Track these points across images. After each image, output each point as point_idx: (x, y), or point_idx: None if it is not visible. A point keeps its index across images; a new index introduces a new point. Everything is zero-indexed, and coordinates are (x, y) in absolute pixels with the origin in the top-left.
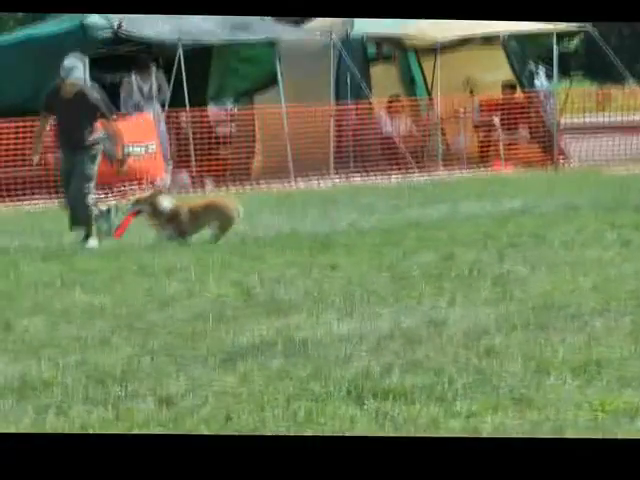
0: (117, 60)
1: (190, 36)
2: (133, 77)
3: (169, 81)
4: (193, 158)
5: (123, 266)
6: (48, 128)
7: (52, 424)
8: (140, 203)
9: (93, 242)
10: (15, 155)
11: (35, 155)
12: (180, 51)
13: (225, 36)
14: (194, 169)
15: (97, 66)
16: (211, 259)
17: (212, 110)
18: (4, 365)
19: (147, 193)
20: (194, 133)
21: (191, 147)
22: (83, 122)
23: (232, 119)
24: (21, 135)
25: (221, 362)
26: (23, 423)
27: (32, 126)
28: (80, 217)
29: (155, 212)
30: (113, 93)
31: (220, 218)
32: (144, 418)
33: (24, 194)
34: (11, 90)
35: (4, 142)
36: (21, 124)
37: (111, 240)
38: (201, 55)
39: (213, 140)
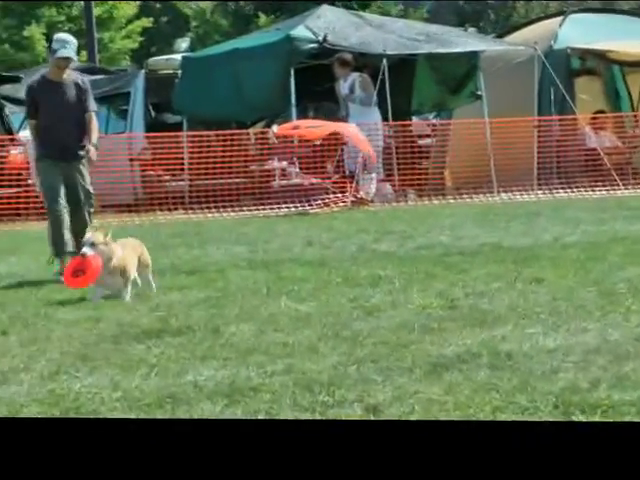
0: (321, 71)
1: (394, 48)
2: (357, 81)
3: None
4: (396, 170)
5: (328, 276)
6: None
7: None
8: (100, 244)
9: None
10: (222, 164)
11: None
12: (385, 63)
13: (428, 48)
14: (397, 181)
15: (301, 77)
16: (415, 270)
17: (415, 122)
18: (214, 370)
19: (99, 233)
20: (397, 145)
21: (394, 159)
22: (79, 116)
23: (434, 132)
24: (228, 144)
25: (426, 372)
26: None
27: (238, 135)
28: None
29: (109, 259)
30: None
31: (143, 268)
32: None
33: (230, 203)
34: (217, 101)
35: (211, 152)
36: (228, 134)
37: (315, 250)
38: (404, 67)
39: (415, 152)
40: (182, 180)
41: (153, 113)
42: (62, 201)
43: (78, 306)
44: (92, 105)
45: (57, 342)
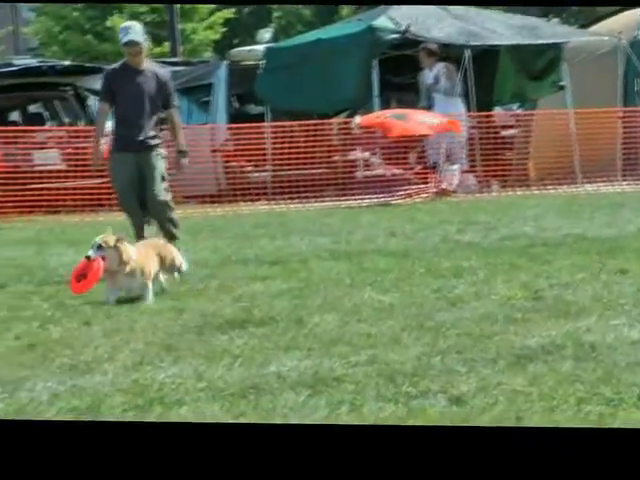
0: (403, 61)
1: (477, 39)
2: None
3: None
4: (479, 161)
5: (411, 267)
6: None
7: (345, 420)
8: (107, 247)
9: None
10: (305, 155)
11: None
12: (468, 53)
13: (512, 39)
14: (480, 172)
15: (383, 68)
16: (500, 261)
17: (498, 113)
18: (297, 361)
19: (110, 236)
20: (480, 136)
21: (477, 150)
22: (154, 107)
23: (517, 122)
24: (311, 135)
25: (510, 364)
26: (316, 417)
27: (321, 125)
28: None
29: (121, 262)
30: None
31: (168, 268)
32: (436, 416)
33: (313, 194)
34: (300, 92)
35: (294, 142)
36: (311, 124)
37: (398, 241)
38: (487, 58)
39: (499, 143)
40: (265, 171)
41: (236, 104)
42: (133, 194)
43: (161, 296)
44: (174, 101)
45: (141, 332)
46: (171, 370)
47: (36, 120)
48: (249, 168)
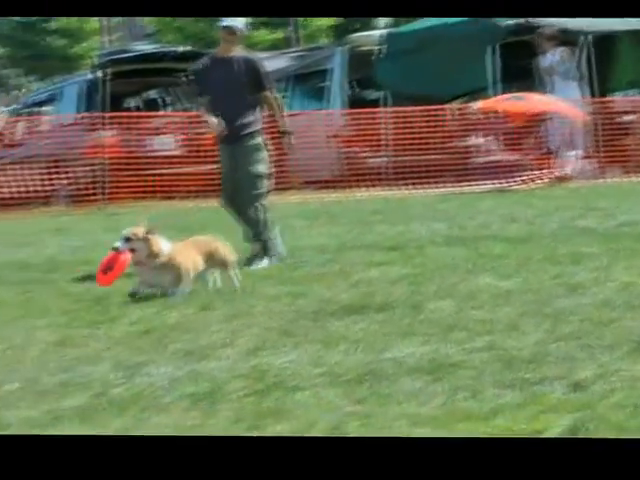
0: (520, 47)
1: (596, 24)
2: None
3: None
4: (598, 147)
5: (529, 253)
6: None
7: (464, 406)
8: (135, 239)
9: (264, 262)
10: (422, 140)
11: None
12: (588, 38)
13: (630, 25)
14: (599, 157)
15: (501, 53)
16: (618, 247)
17: (617, 98)
18: (414, 347)
19: (140, 228)
20: (599, 121)
21: (598, 136)
22: (246, 95)
23: (636, 108)
24: (431, 120)
25: (630, 350)
26: (433, 403)
27: (440, 110)
28: (251, 229)
29: (150, 255)
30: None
31: (220, 265)
32: (555, 403)
33: (429, 180)
34: (420, 77)
35: (412, 128)
36: (431, 109)
37: (515, 227)
38: (605, 43)
39: (618, 129)
40: (382, 156)
41: (354, 89)
42: (229, 187)
43: (279, 280)
44: (268, 83)
45: (259, 317)
46: (289, 355)
47: (152, 106)
48: (366, 154)
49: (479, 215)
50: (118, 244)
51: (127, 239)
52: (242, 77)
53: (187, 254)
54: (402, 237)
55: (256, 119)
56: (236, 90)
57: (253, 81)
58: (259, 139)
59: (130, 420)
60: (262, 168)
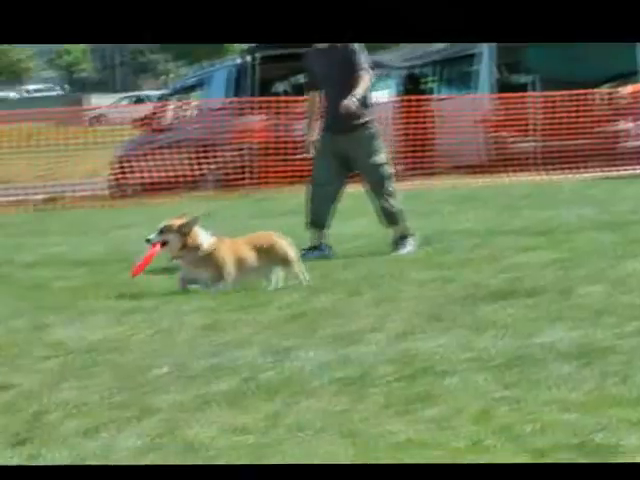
0: None
1: None
2: None
3: None
4: None
5: None
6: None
7: (614, 391)
8: (169, 232)
9: (409, 247)
10: (571, 125)
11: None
12: None
13: None
14: None
15: None
16: None
17: None
18: (564, 332)
19: (179, 219)
20: None
21: None
22: (352, 81)
23: None
24: (580, 105)
25: None
26: (584, 388)
27: (589, 95)
28: (390, 215)
29: (186, 248)
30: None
31: (280, 263)
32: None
33: (577, 164)
34: (569, 60)
35: (561, 112)
36: (580, 94)
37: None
38: None
39: None
40: (530, 141)
41: (502, 74)
42: (324, 175)
43: (427, 265)
44: (362, 63)
45: (407, 302)
46: (438, 340)
47: (301, 90)
48: (515, 138)
49: (628, 200)
50: (152, 236)
51: (161, 231)
52: (344, 64)
53: (233, 250)
54: (551, 222)
55: (369, 109)
56: (341, 78)
57: (352, 66)
58: (374, 128)
59: (279, 405)
60: (382, 156)
